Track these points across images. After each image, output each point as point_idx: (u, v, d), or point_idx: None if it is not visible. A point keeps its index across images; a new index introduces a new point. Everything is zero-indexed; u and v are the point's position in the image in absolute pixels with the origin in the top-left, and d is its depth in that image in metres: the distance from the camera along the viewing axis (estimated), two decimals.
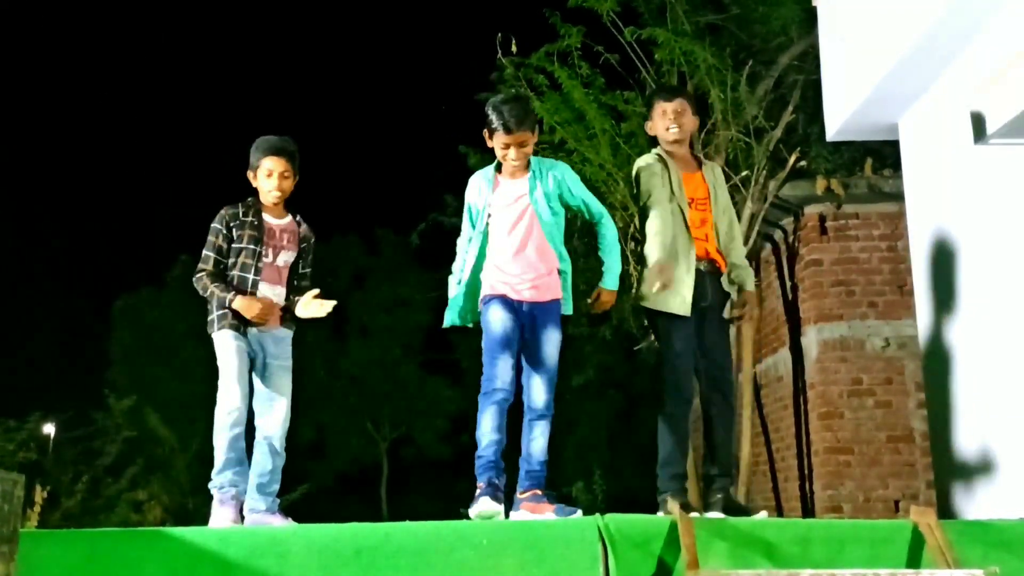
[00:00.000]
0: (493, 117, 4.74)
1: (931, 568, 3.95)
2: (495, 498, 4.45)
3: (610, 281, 4.92)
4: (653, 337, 5.24)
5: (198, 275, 4.82)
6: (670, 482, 4.95)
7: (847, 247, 9.65)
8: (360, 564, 3.88)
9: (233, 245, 4.80)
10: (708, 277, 5.00)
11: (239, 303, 4.68)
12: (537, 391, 4.72)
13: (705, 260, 4.99)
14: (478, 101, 10.79)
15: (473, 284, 4.88)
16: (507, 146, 4.75)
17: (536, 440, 4.69)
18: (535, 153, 4.98)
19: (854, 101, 6.70)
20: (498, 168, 4.90)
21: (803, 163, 9.77)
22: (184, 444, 17.83)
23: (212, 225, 4.83)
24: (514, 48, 10.07)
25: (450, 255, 5.15)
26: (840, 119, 7.00)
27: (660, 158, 5.08)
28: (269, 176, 4.82)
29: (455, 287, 4.96)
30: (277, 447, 4.75)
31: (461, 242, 5.05)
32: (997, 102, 5.53)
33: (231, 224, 4.80)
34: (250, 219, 4.81)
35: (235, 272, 4.79)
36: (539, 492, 4.63)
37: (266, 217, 4.87)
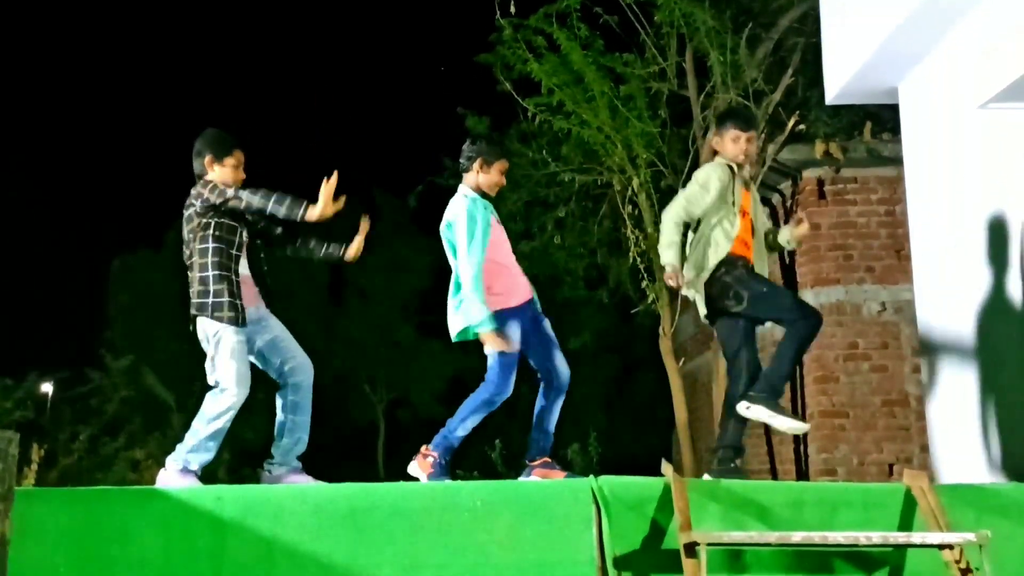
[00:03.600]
0: (494, 148, 5.14)
1: (923, 531, 3.97)
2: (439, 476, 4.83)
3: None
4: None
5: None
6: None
7: (845, 211, 9.62)
8: (355, 524, 3.90)
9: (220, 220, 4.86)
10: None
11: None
12: (563, 367, 5.00)
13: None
14: (476, 63, 10.74)
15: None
16: (503, 172, 5.12)
17: (555, 414, 5.01)
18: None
19: (854, 64, 6.65)
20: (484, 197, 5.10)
21: (802, 127, 9.72)
22: (181, 403, 17.88)
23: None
24: (513, 9, 9.98)
25: None
26: (840, 83, 6.96)
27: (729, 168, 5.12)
28: (239, 166, 5.00)
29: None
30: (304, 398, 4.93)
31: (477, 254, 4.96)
32: (997, 66, 5.50)
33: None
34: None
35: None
36: (549, 459, 4.96)
37: None
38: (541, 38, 9.99)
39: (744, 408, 4.81)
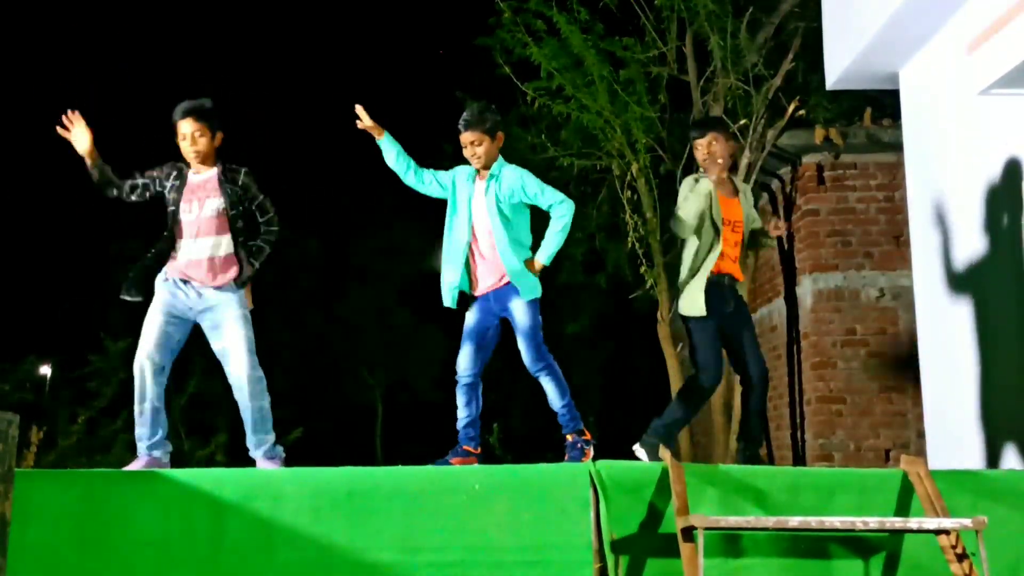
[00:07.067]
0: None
1: (920, 517, 3.99)
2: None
3: (544, 257, 5.09)
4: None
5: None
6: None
7: (844, 197, 9.62)
8: (353, 507, 3.91)
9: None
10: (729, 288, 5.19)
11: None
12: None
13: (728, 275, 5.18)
14: (475, 46, 10.71)
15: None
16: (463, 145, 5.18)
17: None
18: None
19: (855, 49, 6.64)
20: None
21: (802, 112, 9.69)
22: (178, 386, 17.86)
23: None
24: None
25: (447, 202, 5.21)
26: (840, 67, 6.95)
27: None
28: (183, 140, 4.95)
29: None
30: (247, 392, 4.74)
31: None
32: (997, 52, 5.49)
33: (158, 177, 5.03)
34: (171, 181, 5.00)
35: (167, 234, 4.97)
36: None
37: (189, 174, 5.00)
38: (540, 21, 9.96)
39: (636, 448, 5.07)
